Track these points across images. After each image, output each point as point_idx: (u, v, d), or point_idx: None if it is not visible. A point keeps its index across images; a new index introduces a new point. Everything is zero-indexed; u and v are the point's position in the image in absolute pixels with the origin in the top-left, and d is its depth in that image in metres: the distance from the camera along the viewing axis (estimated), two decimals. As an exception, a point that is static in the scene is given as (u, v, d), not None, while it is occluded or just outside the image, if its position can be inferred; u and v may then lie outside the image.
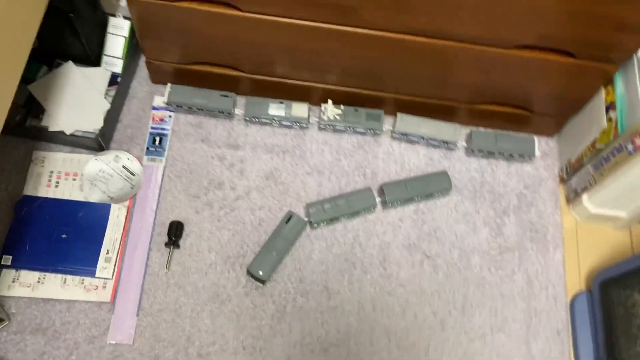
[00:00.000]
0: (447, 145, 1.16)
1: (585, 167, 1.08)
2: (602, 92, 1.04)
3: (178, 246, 1.05)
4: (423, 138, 1.15)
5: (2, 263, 1.00)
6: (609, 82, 1.02)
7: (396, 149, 1.17)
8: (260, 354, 1.00)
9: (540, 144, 1.20)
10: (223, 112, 1.14)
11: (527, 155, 1.15)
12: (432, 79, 1.07)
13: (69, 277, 1.01)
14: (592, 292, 1.05)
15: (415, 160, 1.17)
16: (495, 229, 1.12)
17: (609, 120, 1.01)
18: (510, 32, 0.92)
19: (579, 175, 1.11)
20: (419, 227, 1.11)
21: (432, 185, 1.11)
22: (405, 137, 1.16)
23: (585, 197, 1.10)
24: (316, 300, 1.04)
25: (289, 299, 1.04)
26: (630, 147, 0.94)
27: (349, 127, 1.15)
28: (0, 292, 0.99)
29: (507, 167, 1.18)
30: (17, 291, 1.00)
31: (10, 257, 1.01)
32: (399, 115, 1.15)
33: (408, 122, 1.15)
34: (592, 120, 1.07)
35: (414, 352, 1.02)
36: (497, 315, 1.06)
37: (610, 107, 1.01)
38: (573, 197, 1.14)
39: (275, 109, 1.14)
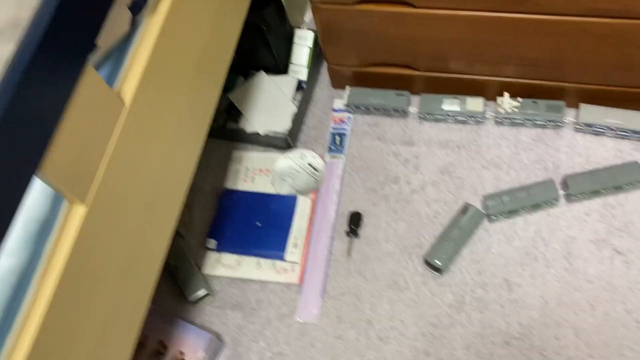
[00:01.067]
0: (638, 135, 1.08)
1: None
2: None
3: (358, 235, 1.12)
4: (610, 129, 1.09)
5: (208, 246, 1.15)
6: None
7: (580, 141, 1.12)
8: (440, 342, 1.01)
9: None
10: (398, 111, 1.20)
11: None
12: (617, 64, 1.02)
13: (262, 260, 1.12)
14: None
15: (602, 153, 1.10)
16: (700, 224, 1.02)
17: None
18: None
19: None
20: (608, 221, 1.05)
21: (622, 177, 1.04)
22: (590, 129, 1.11)
23: None
24: (496, 293, 1.03)
25: (467, 290, 1.04)
26: None
27: (528, 119, 1.13)
28: (206, 271, 1.13)
29: None
30: (220, 271, 1.13)
31: (215, 241, 1.15)
32: (582, 105, 1.11)
33: (592, 112, 1.10)
34: None
35: (606, 351, 0.95)
36: None
37: None
38: None
39: (449, 104, 1.16)
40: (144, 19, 0.76)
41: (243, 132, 1.22)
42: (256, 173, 1.21)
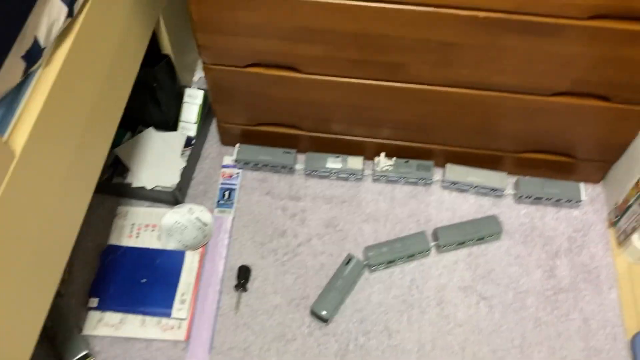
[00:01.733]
0: (495, 192, 1.23)
1: (632, 207, 1.12)
2: (641, 134, 1.11)
3: (246, 289, 1.13)
4: (472, 186, 1.23)
5: (90, 305, 1.10)
6: (646, 124, 1.09)
7: (447, 197, 1.25)
8: (325, 390, 1.04)
9: (587, 190, 1.25)
10: (285, 167, 1.26)
11: (574, 200, 1.20)
12: (478, 129, 1.16)
13: (147, 317, 1.10)
14: (651, 329, 1.06)
15: (466, 207, 1.23)
16: (548, 270, 1.16)
17: (650, 159, 1.06)
18: (546, 80, 1.01)
19: (626, 216, 1.15)
20: (473, 269, 1.16)
21: (484, 229, 1.17)
22: (455, 186, 1.24)
23: (635, 237, 1.13)
24: (377, 339, 1.09)
25: (351, 338, 1.09)
26: (673, 181, 0.99)
27: (402, 177, 1.24)
28: (87, 332, 1.08)
29: (555, 212, 1.23)
30: (102, 331, 1.09)
31: (97, 299, 1.11)
32: (448, 165, 1.24)
33: (457, 172, 1.23)
34: (634, 161, 1.12)
35: (475, 389, 1.04)
36: (556, 353, 1.07)
37: (650, 147, 1.07)
38: (623, 239, 1.17)
39: (333, 162, 1.24)
40: (38, 70, 0.76)
41: (129, 186, 1.21)
42: (142, 228, 1.20)
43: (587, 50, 0.94)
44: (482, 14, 0.92)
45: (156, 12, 1.13)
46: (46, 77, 0.76)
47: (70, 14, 0.80)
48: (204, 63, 1.10)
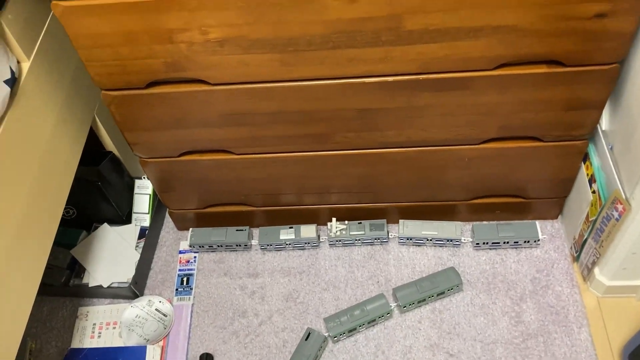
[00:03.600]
0: (452, 242, 1.21)
1: (587, 241, 1.10)
2: (583, 168, 1.09)
3: (209, 377, 1.12)
4: (428, 239, 1.21)
5: (53, 415, 1.09)
6: (585, 157, 1.07)
7: (405, 253, 1.23)
8: None
9: (546, 227, 1.23)
10: (240, 245, 1.25)
11: (532, 240, 1.18)
12: (422, 183, 1.15)
13: (112, 420, 1.08)
14: (626, 367, 1.02)
15: (425, 262, 1.21)
16: (514, 317, 1.13)
17: (593, 192, 1.04)
18: (472, 130, 1.01)
19: (585, 250, 1.12)
20: (438, 326, 1.13)
21: (443, 283, 1.14)
22: (412, 241, 1.22)
23: (597, 271, 1.10)
24: (345, 414, 1.06)
25: (318, 416, 1.06)
26: (615, 214, 0.97)
27: (357, 239, 1.23)
28: None
29: (516, 255, 1.20)
30: None
31: (60, 408, 1.10)
32: (401, 221, 1.22)
33: (411, 227, 1.21)
34: (581, 196, 1.10)
35: None
36: (532, 405, 1.03)
37: (591, 180, 1.05)
38: (587, 273, 1.14)
39: (286, 234, 1.24)
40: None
41: (86, 287, 1.22)
42: (103, 327, 1.20)
43: (502, 97, 0.94)
44: (390, 79, 0.92)
45: (89, 112, 1.15)
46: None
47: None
48: (139, 157, 1.12)
